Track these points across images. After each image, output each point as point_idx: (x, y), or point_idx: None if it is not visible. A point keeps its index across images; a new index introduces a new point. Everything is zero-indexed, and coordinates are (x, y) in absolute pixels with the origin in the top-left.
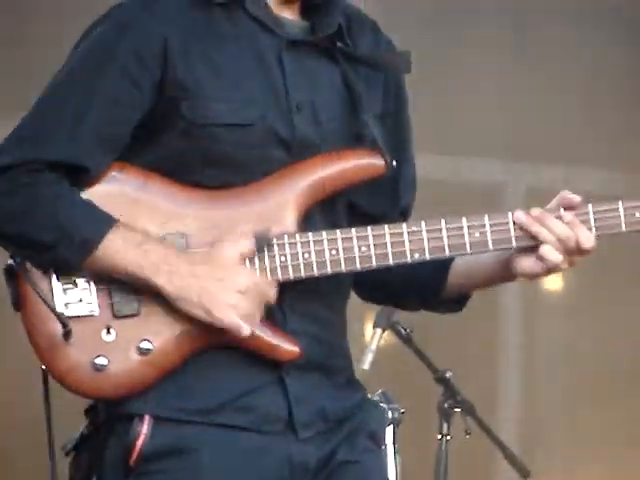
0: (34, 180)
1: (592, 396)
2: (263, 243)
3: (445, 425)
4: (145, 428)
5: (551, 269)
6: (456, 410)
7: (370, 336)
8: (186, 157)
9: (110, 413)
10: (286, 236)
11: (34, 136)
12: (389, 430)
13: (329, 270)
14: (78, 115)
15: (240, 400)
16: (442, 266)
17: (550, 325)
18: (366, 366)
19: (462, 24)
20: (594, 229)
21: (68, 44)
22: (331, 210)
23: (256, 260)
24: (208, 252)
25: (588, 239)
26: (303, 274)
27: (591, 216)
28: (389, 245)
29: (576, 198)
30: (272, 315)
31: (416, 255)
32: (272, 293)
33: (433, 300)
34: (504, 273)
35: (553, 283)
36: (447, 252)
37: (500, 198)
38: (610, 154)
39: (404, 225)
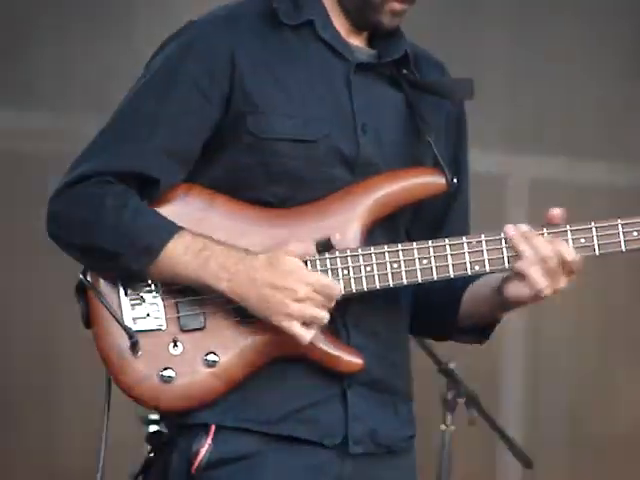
0: (103, 191)
1: (595, 386)
2: (324, 247)
3: (449, 416)
4: (209, 437)
5: (537, 292)
6: (459, 401)
7: None
8: (250, 173)
9: (175, 426)
10: (348, 250)
11: (106, 148)
12: None
13: (391, 283)
14: (149, 127)
15: (303, 412)
16: (454, 294)
17: (554, 311)
18: None
19: (464, 14)
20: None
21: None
22: (391, 226)
23: (329, 273)
24: (268, 257)
25: (569, 252)
26: (365, 287)
27: (569, 235)
28: (449, 257)
29: (556, 212)
30: (335, 330)
31: (476, 267)
32: (336, 291)
33: (451, 329)
34: (500, 300)
35: None
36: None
37: (502, 190)
38: (612, 145)
39: (464, 238)
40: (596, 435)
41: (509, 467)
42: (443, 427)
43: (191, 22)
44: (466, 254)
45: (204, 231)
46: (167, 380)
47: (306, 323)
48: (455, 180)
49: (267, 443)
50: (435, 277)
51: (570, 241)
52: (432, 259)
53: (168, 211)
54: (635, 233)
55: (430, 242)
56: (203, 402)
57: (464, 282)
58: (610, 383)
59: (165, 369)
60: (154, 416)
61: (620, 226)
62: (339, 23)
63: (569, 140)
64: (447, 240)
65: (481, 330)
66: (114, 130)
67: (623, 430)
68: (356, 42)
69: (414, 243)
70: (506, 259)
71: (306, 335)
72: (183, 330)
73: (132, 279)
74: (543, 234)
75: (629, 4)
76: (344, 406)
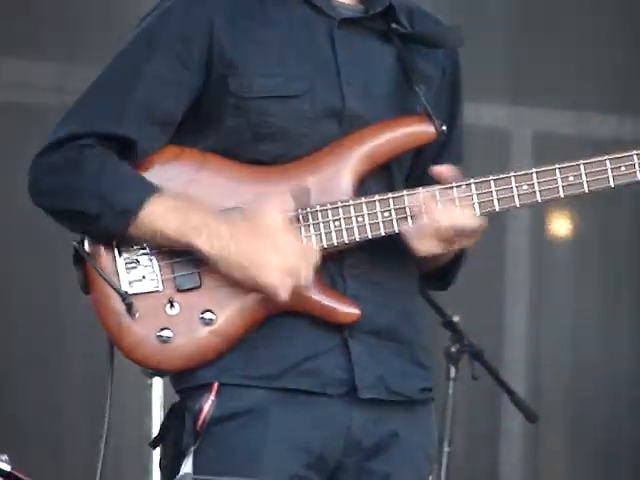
0: (81, 155)
1: (598, 339)
2: (301, 198)
3: (452, 369)
4: (212, 395)
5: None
6: (463, 354)
7: None
8: (238, 134)
9: (183, 390)
10: (339, 202)
11: (83, 112)
12: None
13: (382, 231)
14: (125, 91)
15: (304, 364)
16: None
17: (557, 264)
18: None
19: None
20: (561, 189)
21: None
22: (386, 176)
23: (311, 228)
24: (249, 212)
25: (463, 220)
26: (357, 237)
27: (558, 174)
28: (438, 204)
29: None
30: (333, 281)
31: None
32: (315, 250)
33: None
34: None
35: (561, 225)
36: (517, 203)
37: (506, 144)
38: (618, 98)
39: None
40: (599, 390)
41: (513, 420)
42: (447, 381)
43: None
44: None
45: (195, 192)
46: (165, 340)
47: (287, 278)
48: (444, 127)
49: (271, 397)
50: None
51: (559, 180)
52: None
53: (159, 173)
54: (623, 168)
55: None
56: (203, 360)
57: None
58: (613, 334)
59: (162, 329)
60: None
61: (608, 162)
62: None
63: (573, 93)
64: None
65: (438, 277)
66: (95, 92)
67: (627, 383)
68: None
69: (404, 190)
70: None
71: (284, 292)
72: (179, 290)
73: (115, 239)
74: (532, 174)
75: None
76: (347, 355)
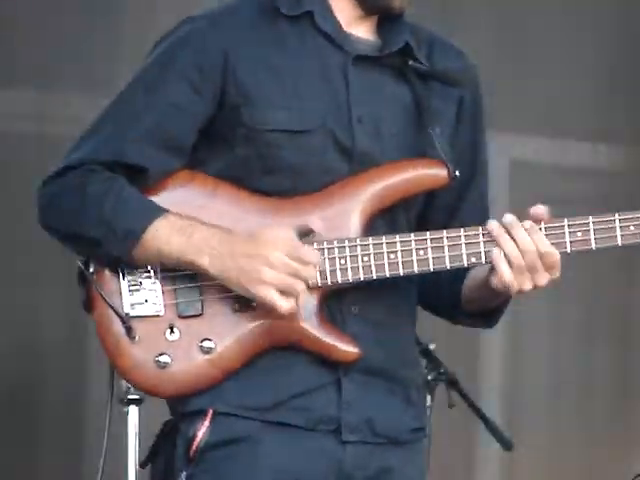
0: (87, 179)
1: (575, 367)
2: (303, 233)
3: (428, 397)
4: (207, 422)
5: (505, 286)
6: (439, 382)
7: None
8: (247, 165)
9: (177, 414)
10: (346, 240)
11: (93, 140)
12: None
13: (387, 273)
14: (135, 117)
15: (296, 400)
16: (458, 277)
17: (534, 295)
18: None
19: None
20: (569, 244)
21: None
22: (392, 218)
23: (327, 262)
24: (250, 234)
25: (545, 244)
26: (362, 276)
27: (566, 230)
28: (446, 249)
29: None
30: (332, 318)
31: (473, 259)
32: (313, 258)
33: (457, 313)
34: (489, 289)
35: None
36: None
37: None
38: (595, 126)
39: (462, 230)
40: (576, 418)
41: (489, 449)
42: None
43: (188, 17)
44: (462, 245)
45: (204, 218)
46: (163, 366)
47: (285, 293)
48: (457, 173)
49: (263, 428)
50: (432, 268)
51: (567, 235)
52: (429, 250)
53: (170, 197)
54: (632, 227)
55: (428, 234)
56: (197, 388)
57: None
58: (589, 366)
59: (161, 354)
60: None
61: (617, 221)
62: (343, 12)
63: (551, 121)
64: (445, 232)
65: (487, 315)
66: (104, 119)
67: (600, 413)
68: (360, 33)
69: (412, 234)
70: (483, 254)
71: (284, 304)
72: (180, 316)
73: (120, 265)
74: (540, 228)
75: None
76: (338, 392)
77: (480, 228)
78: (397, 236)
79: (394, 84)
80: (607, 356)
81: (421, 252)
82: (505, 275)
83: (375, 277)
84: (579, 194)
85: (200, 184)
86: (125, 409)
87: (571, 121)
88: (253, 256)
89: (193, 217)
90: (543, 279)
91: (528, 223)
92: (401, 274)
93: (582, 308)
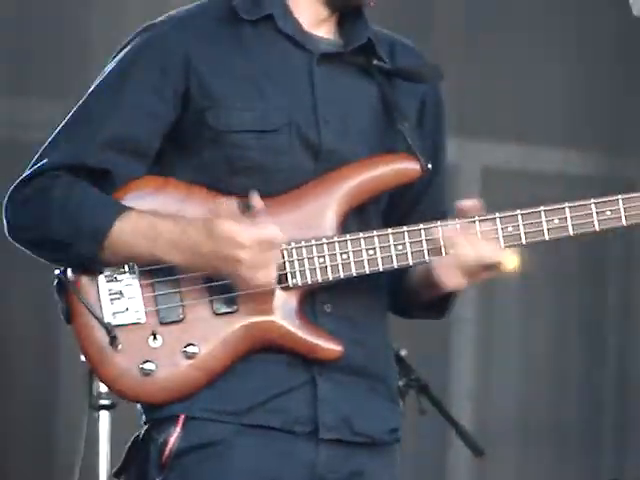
0: (50, 184)
1: (545, 373)
2: (244, 209)
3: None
4: (179, 427)
5: (449, 285)
6: (410, 388)
7: None
8: (215, 167)
9: (150, 421)
10: (323, 238)
11: (57, 145)
12: None
13: (367, 270)
14: (98, 122)
15: (273, 401)
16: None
17: (504, 301)
18: None
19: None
20: (546, 231)
21: None
22: (363, 214)
23: (296, 264)
24: (205, 226)
25: (495, 255)
26: (342, 275)
27: (543, 217)
28: (408, 245)
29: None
30: (306, 316)
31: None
32: (277, 238)
33: (409, 307)
34: (433, 282)
35: (510, 262)
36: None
37: (454, 178)
38: (566, 133)
39: (421, 225)
40: (546, 425)
41: (460, 455)
42: None
43: (149, 24)
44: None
45: None
46: (147, 373)
47: (259, 268)
48: (430, 165)
49: (237, 431)
50: (380, 268)
51: (544, 223)
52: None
53: (143, 203)
54: (609, 212)
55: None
56: (184, 394)
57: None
58: (561, 368)
59: (145, 362)
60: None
61: (593, 205)
62: (304, 14)
63: (521, 127)
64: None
65: (436, 306)
66: (68, 126)
67: (573, 417)
68: (321, 33)
69: (374, 231)
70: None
71: (260, 278)
72: (162, 323)
73: (90, 265)
74: (517, 216)
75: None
76: (314, 392)
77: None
78: (374, 232)
79: (360, 82)
80: (580, 363)
81: (399, 247)
82: (455, 278)
83: (355, 274)
84: (550, 200)
85: (173, 190)
86: (96, 414)
87: (541, 127)
88: (224, 258)
89: (155, 211)
90: (484, 277)
91: (482, 227)
92: (380, 269)
93: (554, 313)
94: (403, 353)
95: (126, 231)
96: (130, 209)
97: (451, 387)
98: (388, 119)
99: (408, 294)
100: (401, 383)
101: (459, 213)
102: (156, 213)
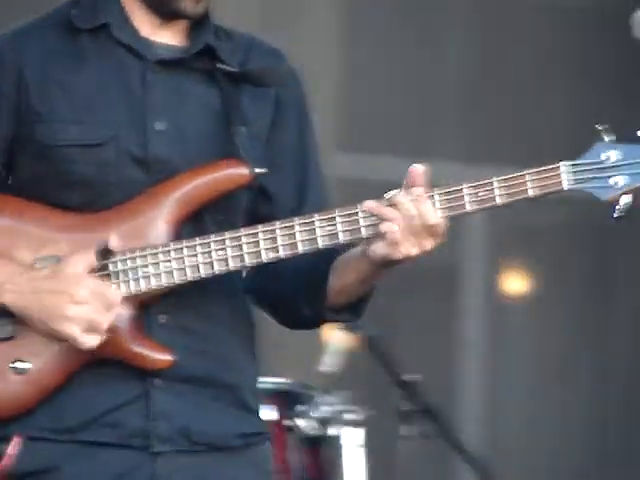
0: None
1: (554, 394)
2: (103, 252)
3: (405, 428)
4: (12, 449)
5: (402, 250)
6: (416, 413)
7: (331, 337)
8: (42, 182)
9: None
10: (148, 248)
11: None
12: (359, 432)
13: (189, 276)
14: None
15: (107, 416)
16: (320, 273)
17: (513, 325)
18: (326, 368)
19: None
20: (439, 211)
21: None
22: (198, 223)
23: (120, 274)
24: (53, 268)
25: (432, 215)
26: (164, 282)
27: (436, 198)
28: (245, 247)
29: (420, 173)
30: (142, 327)
31: (270, 254)
32: (116, 299)
33: (323, 310)
34: (368, 265)
35: (516, 283)
36: (300, 248)
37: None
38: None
39: (259, 226)
40: (553, 449)
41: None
42: (399, 439)
43: None
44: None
45: (14, 241)
46: None
47: (89, 329)
48: (261, 170)
49: (74, 453)
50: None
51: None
52: (244, 246)
53: None
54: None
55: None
56: (16, 410)
57: (327, 260)
58: (568, 393)
59: None
60: None
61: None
62: (142, 20)
63: (425, 142)
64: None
65: (354, 306)
66: None
67: (580, 443)
68: (164, 39)
69: (226, 233)
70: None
71: (88, 341)
72: None
73: None
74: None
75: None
76: (147, 406)
77: (358, 206)
78: (197, 239)
79: (202, 88)
80: (588, 388)
81: (220, 252)
82: (404, 239)
83: (178, 281)
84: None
85: (10, 207)
86: None
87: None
88: (57, 293)
89: (17, 257)
90: (428, 244)
91: (415, 191)
92: (203, 275)
93: (561, 337)
94: (414, 378)
95: None
96: None
97: (458, 413)
98: (228, 124)
99: (322, 294)
100: (405, 407)
101: (407, 183)
102: None
